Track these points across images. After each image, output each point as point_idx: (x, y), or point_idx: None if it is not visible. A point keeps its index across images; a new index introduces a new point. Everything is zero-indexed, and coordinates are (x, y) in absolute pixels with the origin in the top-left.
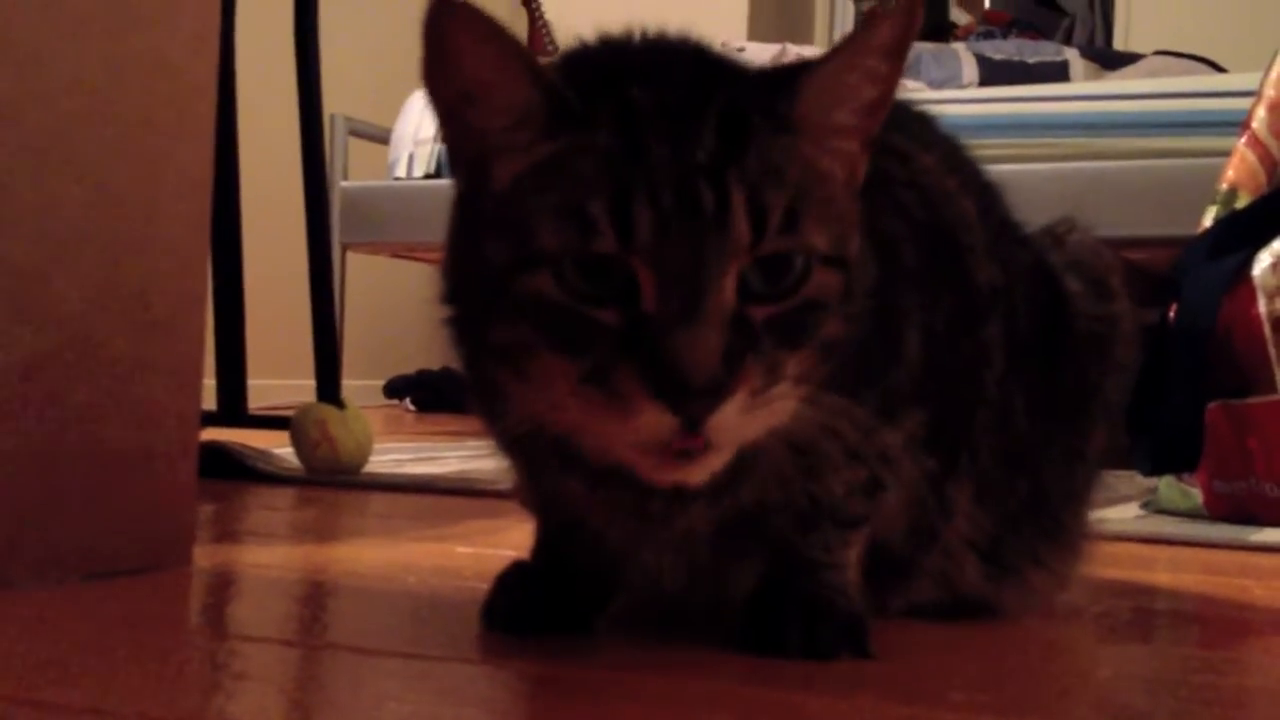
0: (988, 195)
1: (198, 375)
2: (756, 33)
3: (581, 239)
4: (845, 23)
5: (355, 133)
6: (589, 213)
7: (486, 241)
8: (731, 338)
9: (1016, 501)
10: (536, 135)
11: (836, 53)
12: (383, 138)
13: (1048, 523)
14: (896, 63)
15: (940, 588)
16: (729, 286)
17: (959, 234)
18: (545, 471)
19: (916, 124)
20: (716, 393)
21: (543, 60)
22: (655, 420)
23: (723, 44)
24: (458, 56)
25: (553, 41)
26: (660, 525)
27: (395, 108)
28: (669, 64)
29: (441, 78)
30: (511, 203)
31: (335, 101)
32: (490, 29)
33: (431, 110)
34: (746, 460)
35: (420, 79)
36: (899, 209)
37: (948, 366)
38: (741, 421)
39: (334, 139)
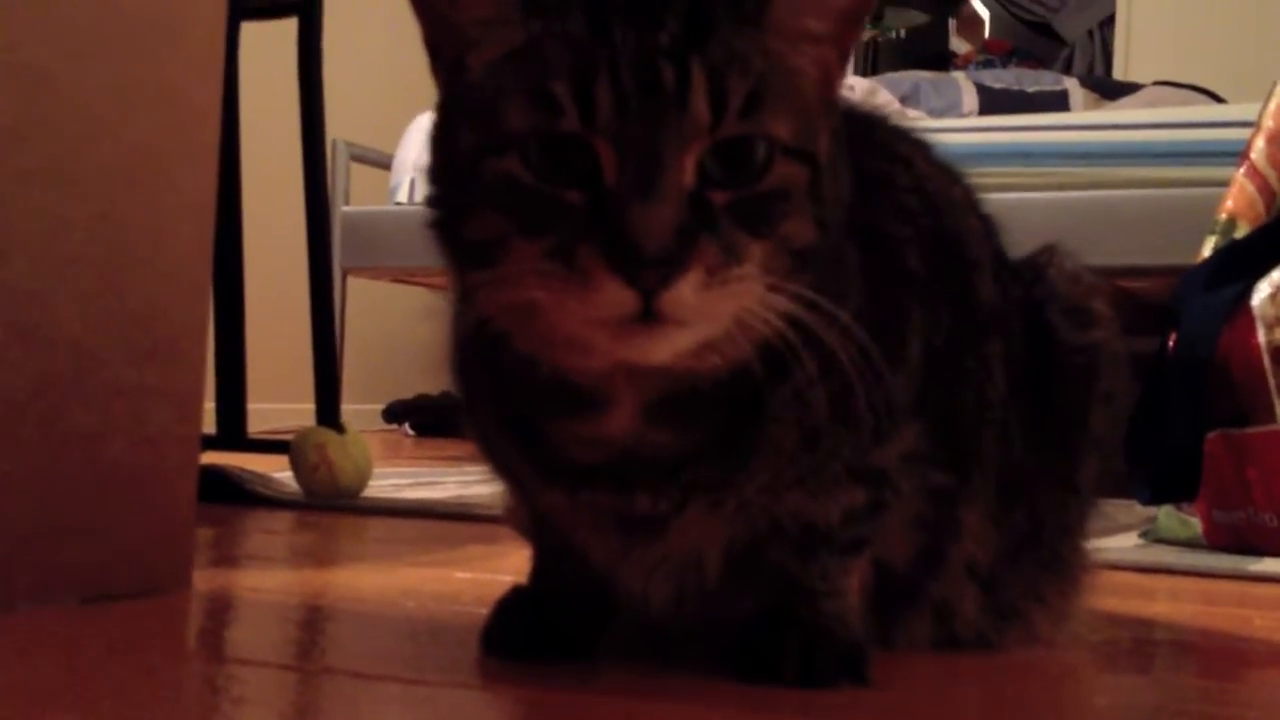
0: (988, 221)
1: (199, 399)
2: None
3: (546, 118)
4: None
5: (357, 158)
6: (553, 92)
7: (460, 131)
8: (688, 215)
9: (1015, 533)
10: (509, 22)
11: None
12: (385, 163)
13: (1046, 556)
14: None
15: (941, 621)
16: (687, 166)
17: (965, 246)
18: (523, 458)
19: (920, 143)
20: (669, 263)
21: None
22: (613, 294)
23: None
24: None
25: None
26: (642, 542)
27: (397, 133)
28: None
29: None
30: (483, 88)
31: (337, 127)
32: None
33: (412, 8)
34: (740, 436)
35: None
36: (903, 212)
37: (952, 378)
38: (700, 299)
39: (336, 164)
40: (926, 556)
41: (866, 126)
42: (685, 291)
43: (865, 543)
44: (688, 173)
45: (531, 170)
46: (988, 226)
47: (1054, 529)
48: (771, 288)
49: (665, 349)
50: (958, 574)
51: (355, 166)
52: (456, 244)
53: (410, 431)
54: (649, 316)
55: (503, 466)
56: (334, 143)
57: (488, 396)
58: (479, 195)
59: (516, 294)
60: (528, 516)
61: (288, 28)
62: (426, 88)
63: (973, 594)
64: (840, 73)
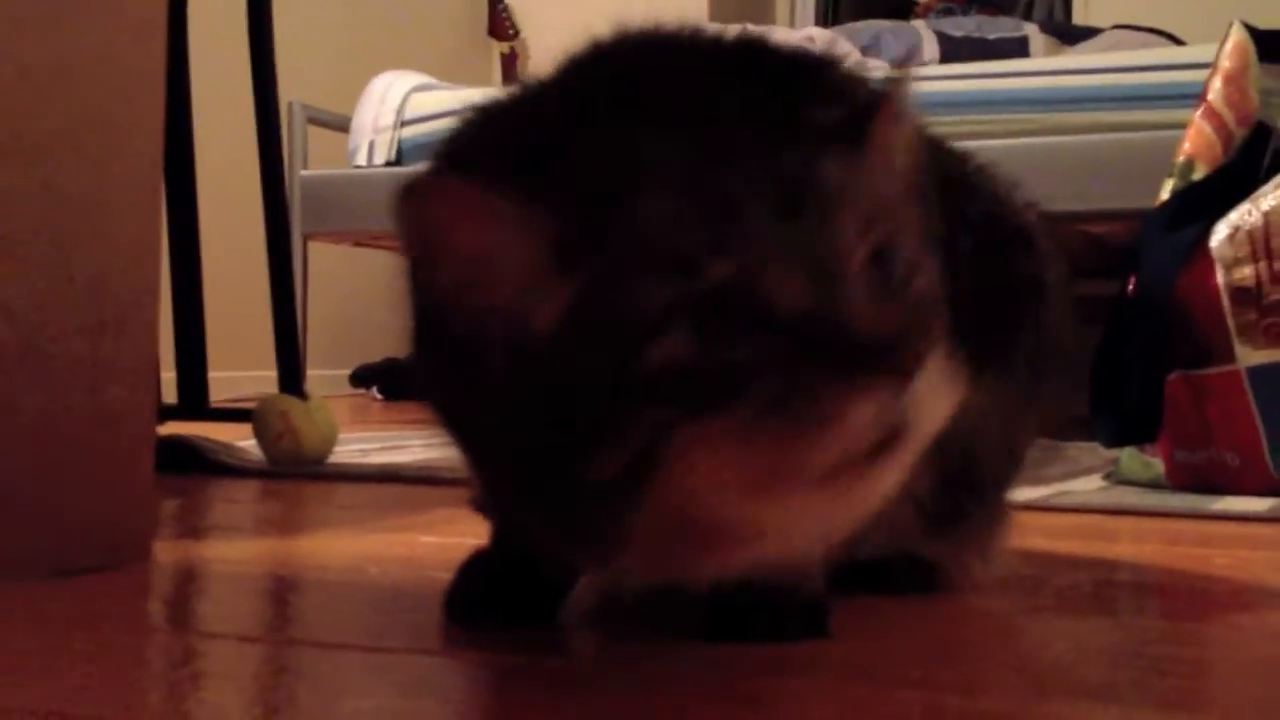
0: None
1: (153, 370)
2: (719, 13)
3: (689, 278)
4: (806, 2)
5: (314, 120)
6: (685, 249)
7: (554, 377)
8: (892, 307)
9: (954, 471)
10: (576, 258)
11: (886, 117)
12: (343, 125)
13: (980, 493)
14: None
15: (891, 538)
16: (862, 270)
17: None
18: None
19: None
20: (905, 337)
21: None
22: (859, 405)
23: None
24: (451, 242)
25: (514, 25)
26: None
27: (355, 94)
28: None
29: (436, 269)
30: (578, 321)
31: (293, 88)
32: (476, 202)
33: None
34: None
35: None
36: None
37: None
38: (927, 396)
39: (292, 127)
40: None
41: (820, 64)
42: (921, 384)
43: None
44: (865, 275)
45: (695, 341)
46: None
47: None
48: None
49: (900, 466)
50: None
51: (312, 129)
52: (574, 493)
53: (378, 395)
54: (895, 431)
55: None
56: (290, 105)
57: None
58: (613, 412)
59: (694, 498)
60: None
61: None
62: (384, 48)
63: (911, 512)
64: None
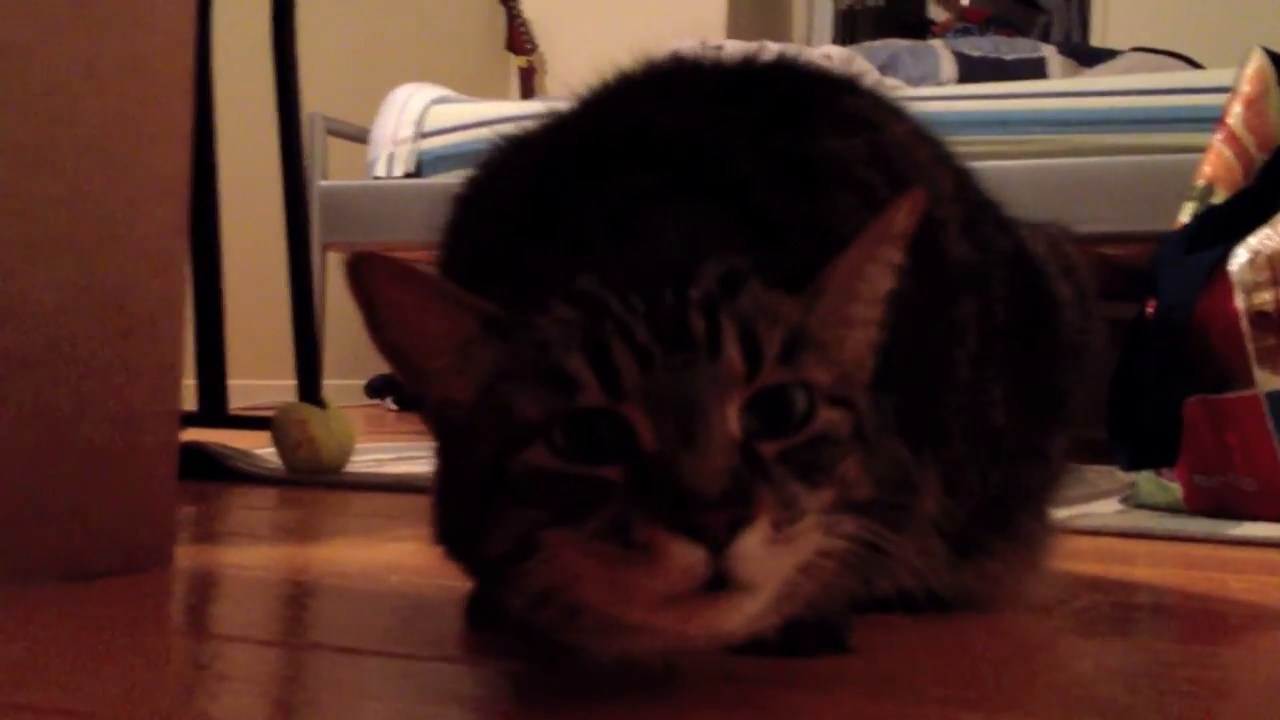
0: (963, 175)
1: (176, 376)
2: (735, 30)
3: (565, 398)
4: (824, 20)
5: (334, 132)
6: (566, 369)
7: (470, 450)
8: (741, 465)
9: (987, 495)
10: (484, 340)
11: (857, 245)
12: (362, 137)
13: (1002, 518)
14: (905, 250)
15: (917, 575)
16: (730, 416)
17: (930, 208)
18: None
19: (887, 101)
20: (734, 506)
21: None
22: (681, 557)
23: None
24: (390, 307)
25: (531, 40)
26: None
27: (374, 106)
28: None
29: (380, 329)
30: (484, 406)
31: (314, 100)
32: (405, 273)
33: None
34: None
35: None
36: (861, 188)
37: (913, 348)
38: (769, 556)
39: (313, 138)
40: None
41: (834, 90)
42: (754, 545)
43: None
44: (731, 422)
45: (560, 455)
46: (961, 181)
47: (1020, 492)
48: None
49: (737, 619)
50: (925, 532)
51: (332, 140)
52: (480, 561)
53: (393, 406)
54: (719, 585)
55: None
56: (310, 116)
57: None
58: (502, 503)
59: (574, 588)
60: None
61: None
62: (404, 60)
63: (941, 548)
64: (869, 352)
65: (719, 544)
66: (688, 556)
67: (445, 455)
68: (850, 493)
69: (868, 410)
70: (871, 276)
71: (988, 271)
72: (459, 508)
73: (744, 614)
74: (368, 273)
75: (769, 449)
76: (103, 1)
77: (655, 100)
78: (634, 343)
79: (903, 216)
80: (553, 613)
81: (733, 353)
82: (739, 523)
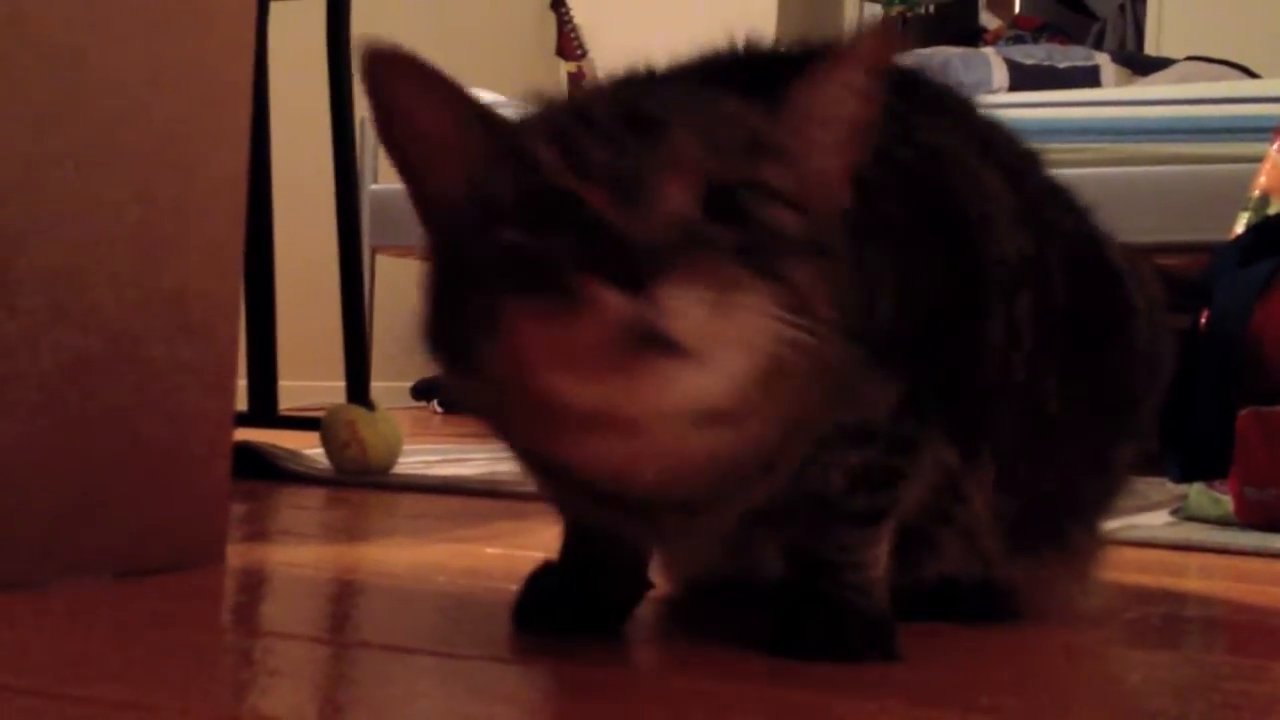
0: (1017, 163)
1: (232, 376)
2: (785, 37)
3: (530, 175)
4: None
5: None
6: (532, 151)
7: (452, 244)
8: (680, 232)
9: (1040, 493)
10: (478, 144)
11: (825, 67)
12: None
13: (1054, 527)
14: (878, 81)
15: (967, 558)
16: (677, 193)
17: (968, 205)
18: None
19: (932, 92)
20: (661, 257)
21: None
22: (602, 296)
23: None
24: (406, 110)
25: (581, 46)
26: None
27: None
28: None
29: (389, 128)
30: (468, 198)
31: (366, 105)
32: (419, 72)
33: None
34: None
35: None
36: (888, 160)
37: (943, 348)
38: (707, 318)
39: (364, 142)
40: (934, 513)
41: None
42: (686, 301)
43: (883, 514)
44: (677, 198)
45: (521, 231)
46: (1012, 171)
47: (1076, 500)
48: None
49: (680, 391)
50: (975, 523)
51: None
52: (451, 353)
53: (439, 408)
54: (651, 340)
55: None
56: (362, 121)
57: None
58: (473, 283)
59: (515, 375)
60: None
61: (317, 6)
62: (453, 65)
63: (995, 536)
64: (844, 187)
65: (638, 284)
66: (609, 297)
67: (433, 257)
68: (806, 301)
69: (835, 233)
70: (840, 100)
71: (1044, 255)
72: (440, 302)
73: (686, 386)
74: (383, 71)
75: (715, 232)
76: (164, 6)
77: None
78: (595, 128)
79: (872, 42)
80: (512, 409)
81: (687, 141)
82: (664, 269)
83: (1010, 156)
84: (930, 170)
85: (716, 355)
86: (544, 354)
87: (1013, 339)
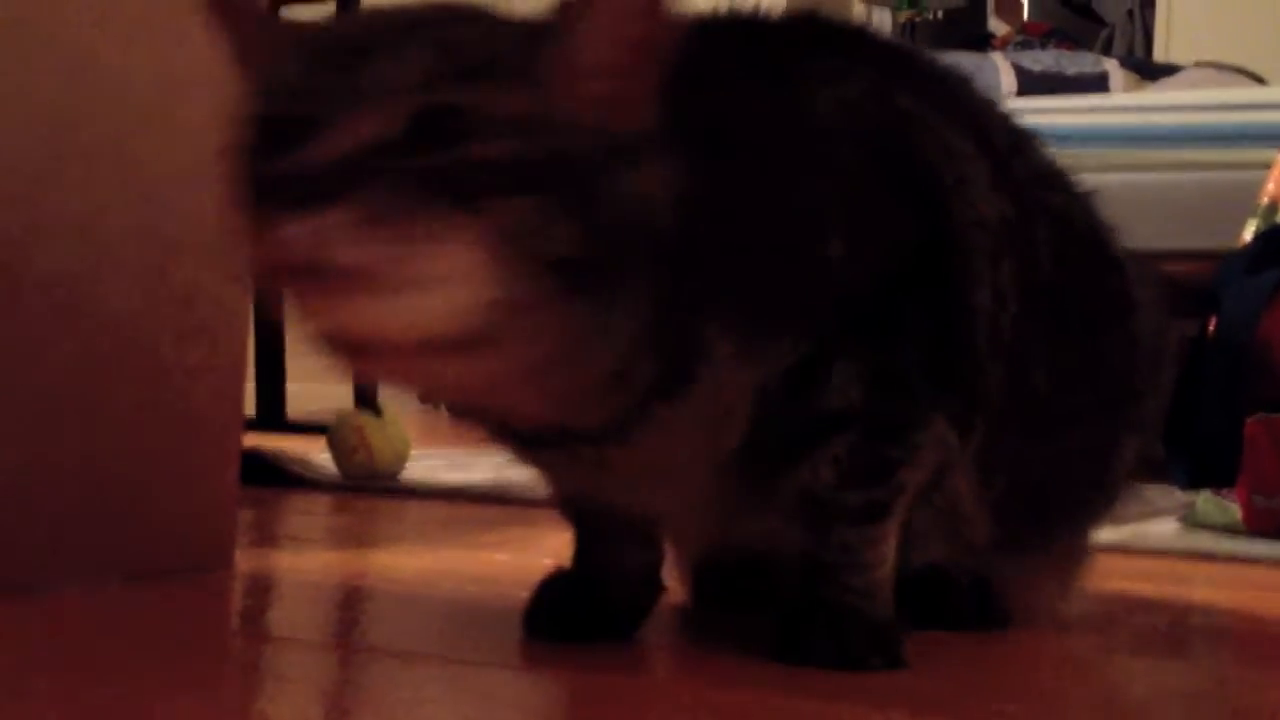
0: (1013, 139)
1: (241, 380)
2: None
3: (261, 105)
4: (881, 26)
5: None
6: (263, 79)
7: None
8: (356, 161)
9: (1028, 481)
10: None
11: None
12: None
13: (1043, 531)
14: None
15: (951, 545)
16: (362, 124)
17: (939, 168)
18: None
19: (922, 69)
20: (323, 184)
21: None
22: (268, 224)
23: None
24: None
25: None
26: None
27: None
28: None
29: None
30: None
31: None
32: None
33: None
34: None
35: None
36: (853, 110)
37: (925, 317)
38: (379, 245)
39: None
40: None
41: (855, 38)
42: (348, 225)
43: (885, 508)
44: (368, 125)
45: (247, 161)
46: (995, 146)
47: (1067, 499)
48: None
49: (365, 320)
50: (961, 504)
51: None
52: None
53: (447, 413)
54: (314, 273)
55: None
56: None
57: None
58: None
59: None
60: (556, 495)
61: (327, 11)
62: None
63: (983, 520)
64: (640, 105)
65: (291, 208)
66: (281, 225)
67: None
68: (536, 242)
69: (603, 175)
70: (619, 21)
71: (1031, 230)
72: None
73: (369, 314)
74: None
75: (406, 162)
76: (177, 10)
77: None
78: (312, 52)
79: None
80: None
81: (397, 65)
82: (322, 195)
83: (998, 132)
84: (896, 127)
85: (390, 284)
86: (262, 278)
87: (1000, 303)
